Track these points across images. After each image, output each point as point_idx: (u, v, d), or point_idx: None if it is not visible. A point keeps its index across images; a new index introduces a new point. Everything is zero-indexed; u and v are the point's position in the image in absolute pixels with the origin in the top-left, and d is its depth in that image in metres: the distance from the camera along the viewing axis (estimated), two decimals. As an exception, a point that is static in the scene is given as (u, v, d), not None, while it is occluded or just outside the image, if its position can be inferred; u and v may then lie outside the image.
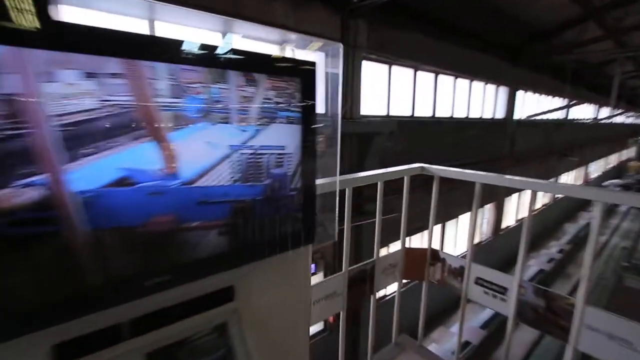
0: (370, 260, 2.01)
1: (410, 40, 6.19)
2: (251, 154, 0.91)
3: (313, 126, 1.07)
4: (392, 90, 6.34)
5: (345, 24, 5.00)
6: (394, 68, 6.29)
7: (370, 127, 5.58)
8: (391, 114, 6.42)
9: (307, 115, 1.03)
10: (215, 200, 0.86)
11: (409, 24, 6.04)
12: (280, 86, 0.95)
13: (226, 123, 0.86)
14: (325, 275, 5.75)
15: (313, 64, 1.03)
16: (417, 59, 6.47)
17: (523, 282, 1.72)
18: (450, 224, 8.57)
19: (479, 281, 1.91)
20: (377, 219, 1.97)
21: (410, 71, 6.70)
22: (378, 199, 1.93)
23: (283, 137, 0.97)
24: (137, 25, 3.41)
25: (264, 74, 0.90)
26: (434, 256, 2.17)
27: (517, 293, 1.73)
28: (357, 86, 5.34)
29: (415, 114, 7.02)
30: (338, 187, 1.26)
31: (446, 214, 8.17)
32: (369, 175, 1.82)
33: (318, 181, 1.27)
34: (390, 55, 5.92)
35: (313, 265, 5.51)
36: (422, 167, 2.10)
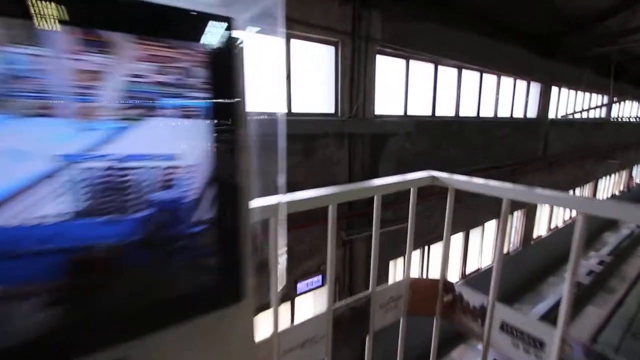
0: (364, 294, 1.60)
1: (430, 31, 5.67)
2: (107, 168, 0.54)
3: (235, 122, 0.69)
4: (410, 87, 5.84)
5: (357, 14, 4.59)
6: (412, 63, 5.79)
7: (385, 127, 5.12)
8: (409, 113, 5.92)
9: (223, 105, 0.66)
10: (28, 250, 0.50)
11: (429, 14, 5.53)
12: (165, 56, 0.57)
13: (49, 116, 0.50)
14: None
15: (227, 19, 0.65)
16: (438, 53, 5.93)
17: (569, 338, 1.25)
18: (474, 232, 7.90)
19: (506, 328, 1.45)
20: (373, 246, 1.56)
21: (431, 66, 6.17)
22: (375, 218, 1.52)
23: (174, 139, 0.60)
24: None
25: (123, 32, 0.53)
26: (448, 289, 1.72)
27: (559, 351, 1.27)
28: (370, 83, 4.91)
29: (436, 113, 6.47)
30: (285, 211, 0.87)
31: (471, 221, 7.53)
32: (361, 188, 1.42)
33: (258, 202, 0.89)
34: (408, 48, 5.43)
35: (319, 277, 5.12)
36: (433, 177, 1.67)
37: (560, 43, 8.28)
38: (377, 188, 1.46)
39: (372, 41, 4.79)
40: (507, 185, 1.45)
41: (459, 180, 1.61)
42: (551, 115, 9.49)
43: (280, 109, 0.77)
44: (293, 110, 4.40)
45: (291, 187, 3.88)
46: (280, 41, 0.72)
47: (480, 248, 8.17)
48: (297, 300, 5.04)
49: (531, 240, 9.93)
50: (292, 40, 4.24)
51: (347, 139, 4.94)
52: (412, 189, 1.63)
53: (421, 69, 6.02)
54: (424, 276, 6.77)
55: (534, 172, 8.72)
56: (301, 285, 4.98)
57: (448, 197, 1.66)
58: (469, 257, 7.90)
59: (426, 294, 1.79)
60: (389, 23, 4.96)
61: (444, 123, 6.50)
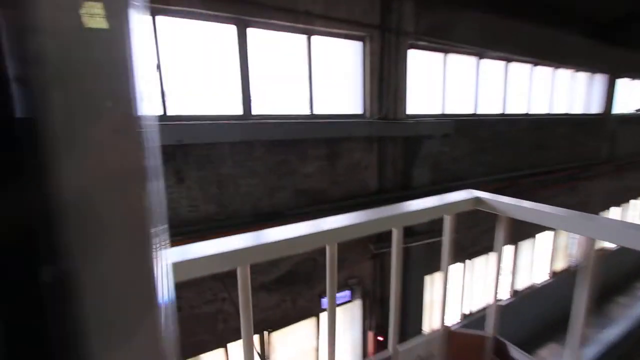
0: (382, 356, 1.20)
1: (472, 21, 5.05)
2: None
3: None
4: (448, 83, 5.25)
5: (386, 6, 4.15)
6: (451, 56, 5.20)
7: (419, 129, 4.61)
8: (447, 112, 5.33)
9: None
10: None
11: (471, 1, 4.92)
12: None
13: None
14: (363, 305, 4.91)
15: None
16: (481, 44, 5.28)
17: None
18: (525, 244, 7.02)
19: None
20: (392, 296, 1.16)
21: (473, 59, 5.52)
22: (394, 256, 1.12)
23: None
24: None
25: None
26: (500, 351, 1.26)
27: None
28: (402, 80, 4.43)
29: (479, 112, 5.79)
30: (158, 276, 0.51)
31: (520, 231, 6.70)
32: (374, 221, 1.02)
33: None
34: (446, 40, 4.87)
35: (348, 293, 4.71)
36: (476, 199, 1.23)
37: (631, 28, 7.14)
38: (397, 218, 1.06)
39: (404, 35, 4.31)
40: (589, 218, 0.98)
41: (513, 205, 1.16)
42: (619, 110, 8.25)
43: (151, 109, 0.39)
44: (315, 112, 4.06)
45: (313, 195, 3.48)
46: (146, 18, 0.36)
47: (530, 263, 7.25)
48: (323, 315, 4.68)
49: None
50: (314, 37, 3.90)
51: (377, 142, 4.51)
52: (446, 217, 1.21)
53: (461, 63, 5.40)
54: (465, 300, 6.07)
55: (597, 177, 7.60)
56: (326, 301, 4.61)
57: (497, 228, 1.21)
58: (519, 272, 7.03)
59: (469, 353, 1.34)
60: (423, 14, 4.46)
61: (488, 122, 5.80)
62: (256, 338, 4.22)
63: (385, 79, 4.31)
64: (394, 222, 1.06)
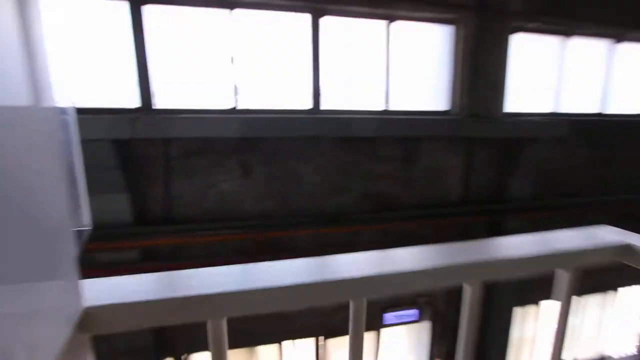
0: None
1: (609, -8, 3.92)
2: None
3: None
4: (566, 74, 4.20)
5: (487, -19, 3.46)
6: (572, 41, 4.13)
7: (521, 129, 3.78)
8: (560, 110, 4.28)
9: None
10: None
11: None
12: None
13: None
14: (433, 328, 4.32)
15: None
16: (619, 23, 4.08)
17: None
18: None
19: None
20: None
21: (604, 43, 4.31)
22: (462, 332, 0.73)
23: None
24: (219, 14, 3.09)
25: None
26: None
27: None
28: (501, 71, 3.66)
29: (608, 111, 4.52)
30: None
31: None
32: (435, 269, 0.65)
33: None
34: (566, 20, 3.87)
35: (415, 312, 4.19)
36: (626, 248, 0.74)
37: None
38: (473, 270, 0.66)
39: (507, 15, 3.54)
40: None
41: None
42: None
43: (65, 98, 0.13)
44: (391, 108, 3.63)
45: (382, 200, 3.07)
46: None
47: (674, 311, 5.48)
48: (384, 331, 4.27)
49: None
50: (394, 23, 3.46)
51: (464, 143, 3.85)
52: (563, 273, 0.75)
53: (586, 49, 4.26)
54: (569, 346, 4.86)
55: None
56: (389, 317, 4.18)
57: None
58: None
59: None
60: (538, -14, 3.60)
61: (621, 124, 4.49)
62: (311, 341, 4.07)
63: (480, 69, 3.62)
64: (467, 274, 0.66)
